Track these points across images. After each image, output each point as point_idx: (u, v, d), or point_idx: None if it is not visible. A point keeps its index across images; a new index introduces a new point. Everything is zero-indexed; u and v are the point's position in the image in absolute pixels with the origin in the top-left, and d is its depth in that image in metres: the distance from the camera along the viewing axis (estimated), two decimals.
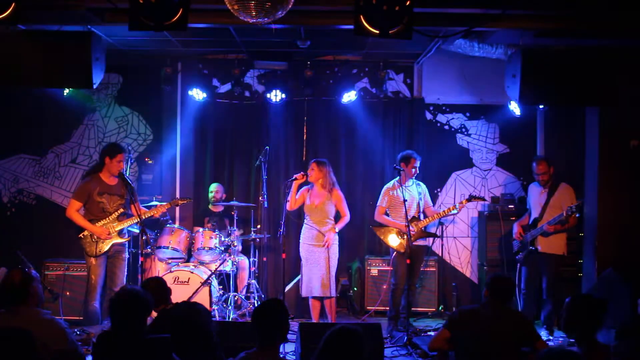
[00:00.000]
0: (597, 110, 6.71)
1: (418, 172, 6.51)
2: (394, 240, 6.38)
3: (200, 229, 6.76)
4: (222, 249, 6.66)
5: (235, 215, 6.87)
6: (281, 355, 3.41)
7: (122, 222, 6.02)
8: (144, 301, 3.52)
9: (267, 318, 3.32)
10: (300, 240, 6.51)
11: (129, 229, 6.19)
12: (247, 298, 6.86)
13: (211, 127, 7.81)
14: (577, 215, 6.17)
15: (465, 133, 7.94)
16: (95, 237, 5.91)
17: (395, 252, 6.41)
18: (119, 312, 3.43)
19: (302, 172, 6.44)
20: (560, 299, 4.22)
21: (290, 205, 6.43)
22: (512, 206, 7.23)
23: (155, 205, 6.43)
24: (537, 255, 6.36)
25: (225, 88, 7.82)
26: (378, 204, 6.56)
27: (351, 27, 4.62)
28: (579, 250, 7.11)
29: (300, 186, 6.48)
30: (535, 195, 6.54)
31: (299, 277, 7.15)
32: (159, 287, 4.28)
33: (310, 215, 6.41)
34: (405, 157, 6.47)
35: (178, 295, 5.66)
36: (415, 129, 7.80)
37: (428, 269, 7.37)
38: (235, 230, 6.81)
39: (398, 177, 6.39)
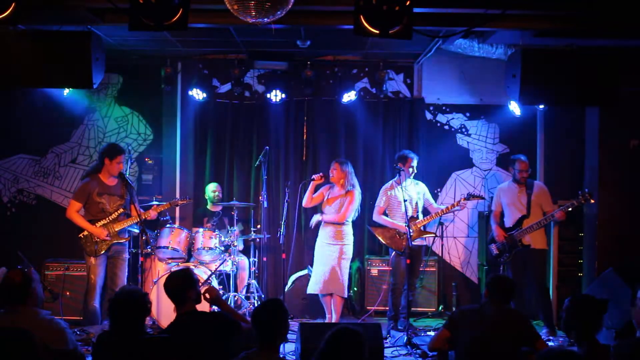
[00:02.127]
0: (597, 110, 6.71)
1: (416, 171, 6.52)
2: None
3: (200, 229, 6.76)
4: (222, 249, 6.67)
5: (235, 215, 6.87)
6: (281, 355, 3.41)
7: (121, 222, 6.01)
8: (143, 301, 3.52)
9: (267, 318, 3.32)
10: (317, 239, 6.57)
11: (129, 229, 6.18)
12: (247, 298, 6.86)
13: (211, 127, 7.81)
14: (592, 201, 6.19)
15: (465, 133, 7.94)
16: (95, 237, 5.91)
17: (394, 252, 6.42)
18: (119, 313, 3.44)
19: (321, 174, 6.48)
20: (560, 299, 4.23)
21: (306, 202, 6.53)
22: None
23: (153, 206, 6.40)
24: (527, 253, 6.39)
25: (225, 88, 7.82)
26: (376, 204, 6.57)
27: (351, 27, 4.61)
28: (579, 250, 7.12)
29: (321, 184, 6.54)
30: (512, 195, 6.58)
31: (297, 276, 7.17)
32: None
33: (326, 214, 6.44)
34: (403, 157, 6.48)
35: None
36: (415, 129, 7.79)
37: (428, 269, 7.37)
38: (235, 230, 6.82)
39: (397, 177, 6.40)
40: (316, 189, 6.58)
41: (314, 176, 6.47)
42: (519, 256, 6.43)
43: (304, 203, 6.55)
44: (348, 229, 6.42)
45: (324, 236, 6.45)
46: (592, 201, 6.21)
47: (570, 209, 6.24)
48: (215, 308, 4.29)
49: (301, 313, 7.00)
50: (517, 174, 6.56)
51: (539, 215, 6.41)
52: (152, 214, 6.17)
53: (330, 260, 6.33)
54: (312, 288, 6.43)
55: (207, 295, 4.03)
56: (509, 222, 6.57)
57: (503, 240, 6.51)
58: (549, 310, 6.41)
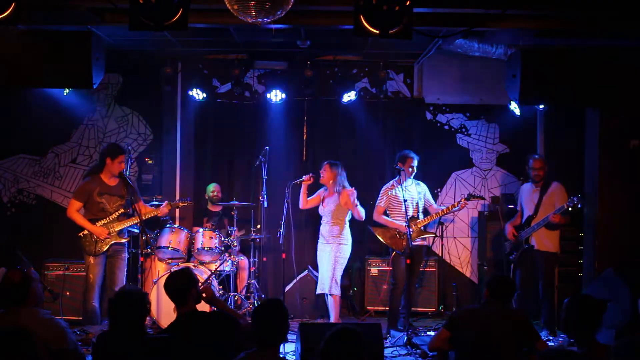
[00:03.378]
0: (597, 110, 6.71)
1: (416, 171, 6.52)
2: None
3: (200, 229, 6.76)
4: (222, 249, 6.67)
5: (235, 215, 6.87)
6: (281, 355, 3.41)
7: (122, 222, 6.02)
8: (143, 302, 3.52)
9: (267, 318, 3.32)
10: None
11: (130, 229, 6.18)
12: (247, 298, 6.86)
13: (211, 127, 7.82)
14: (578, 205, 6.16)
15: (465, 133, 7.94)
16: (94, 236, 5.91)
17: (394, 252, 6.41)
18: (118, 313, 3.44)
19: (310, 174, 6.49)
20: (560, 299, 4.22)
21: (301, 204, 6.60)
22: (512, 206, 7.22)
23: (164, 203, 6.41)
24: (532, 253, 6.38)
25: (225, 88, 7.82)
26: (377, 204, 6.57)
27: (351, 27, 4.62)
28: (579, 250, 7.12)
29: (315, 187, 6.55)
30: (528, 194, 6.56)
31: (300, 276, 7.18)
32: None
33: (323, 217, 6.48)
34: (403, 157, 6.48)
35: None
36: (415, 129, 7.80)
37: (428, 269, 7.37)
38: (235, 230, 6.82)
39: (397, 177, 6.40)
40: (310, 190, 6.58)
41: (303, 177, 6.47)
42: (527, 256, 6.42)
43: (300, 205, 6.59)
44: (344, 228, 6.41)
45: (320, 236, 6.47)
46: (579, 206, 6.18)
47: (565, 209, 6.22)
48: (215, 308, 4.29)
49: (301, 313, 6.99)
50: (530, 172, 6.51)
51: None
52: (164, 210, 6.24)
53: (325, 259, 6.35)
54: (319, 288, 6.44)
55: (204, 295, 4.03)
56: (523, 222, 6.58)
57: (512, 239, 6.52)
58: (551, 314, 6.39)
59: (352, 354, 2.97)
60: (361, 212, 6.37)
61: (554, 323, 6.32)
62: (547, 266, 6.43)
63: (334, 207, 6.36)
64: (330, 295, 6.29)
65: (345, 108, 7.62)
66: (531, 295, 6.48)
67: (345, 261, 6.40)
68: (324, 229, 6.43)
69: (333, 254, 6.30)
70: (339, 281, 6.32)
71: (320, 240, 6.46)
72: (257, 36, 6.62)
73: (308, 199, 6.57)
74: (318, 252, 6.48)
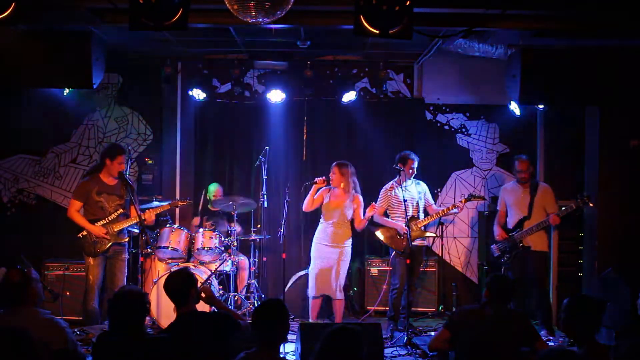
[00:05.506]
0: (597, 110, 6.72)
1: (416, 172, 6.51)
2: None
3: (200, 229, 6.76)
4: (222, 249, 6.67)
5: (235, 215, 6.87)
6: (281, 355, 3.41)
7: (121, 222, 6.01)
8: (142, 301, 3.52)
9: (267, 318, 3.32)
10: (313, 239, 6.48)
11: (129, 229, 6.18)
12: (247, 298, 6.86)
13: (211, 127, 7.82)
14: (590, 204, 6.22)
15: (465, 133, 7.94)
16: (94, 237, 5.91)
17: (394, 252, 6.41)
18: (118, 313, 3.44)
19: (323, 177, 6.38)
20: (560, 299, 4.22)
21: (307, 206, 6.45)
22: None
23: (156, 207, 6.40)
24: (527, 255, 6.38)
25: (225, 88, 7.82)
26: (376, 205, 6.55)
27: (351, 27, 4.61)
28: (579, 250, 7.12)
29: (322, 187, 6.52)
30: (516, 195, 6.56)
31: (298, 276, 7.17)
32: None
33: (327, 216, 6.39)
34: (403, 158, 6.48)
35: None
36: (415, 129, 7.80)
37: (428, 269, 7.37)
38: (235, 230, 6.82)
39: (397, 178, 6.40)
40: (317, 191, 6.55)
41: (316, 179, 6.37)
42: (520, 257, 6.43)
43: (304, 207, 6.47)
44: (349, 231, 6.40)
45: (324, 237, 6.37)
46: (591, 205, 6.22)
47: (566, 213, 6.24)
48: (215, 308, 4.29)
49: (301, 313, 6.99)
50: (516, 174, 6.57)
51: (541, 216, 6.39)
52: (150, 218, 6.14)
53: (330, 261, 6.30)
54: (318, 290, 6.35)
55: (203, 295, 4.03)
56: (511, 222, 6.56)
57: (503, 241, 6.51)
58: (548, 313, 6.40)
59: (351, 353, 2.97)
60: (364, 224, 6.36)
61: (551, 322, 6.33)
62: (542, 265, 6.48)
63: (344, 208, 6.32)
64: (337, 299, 6.30)
65: (345, 108, 7.61)
66: (525, 295, 6.48)
67: (348, 263, 6.42)
68: (329, 230, 6.33)
69: (338, 258, 6.27)
70: (342, 285, 6.33)
71: (323, 242, 6.35)
72: (257, 36, 6.62)
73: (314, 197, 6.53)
74: (317, 252, 6.39)
